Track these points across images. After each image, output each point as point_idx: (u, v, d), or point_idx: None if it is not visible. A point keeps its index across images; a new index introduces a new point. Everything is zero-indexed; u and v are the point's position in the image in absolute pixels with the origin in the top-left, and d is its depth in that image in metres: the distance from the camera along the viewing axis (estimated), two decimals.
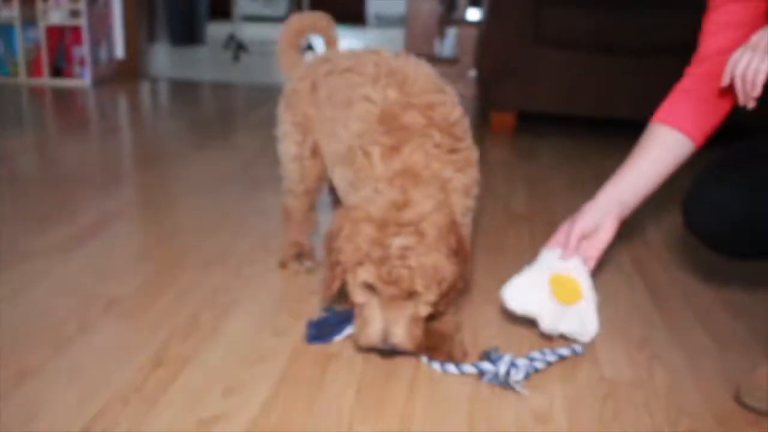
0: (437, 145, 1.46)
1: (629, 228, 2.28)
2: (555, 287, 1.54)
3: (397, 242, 1.34)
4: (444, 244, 1.38)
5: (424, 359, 1.50)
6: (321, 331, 1.56)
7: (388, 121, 1.49)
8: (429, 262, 1.35)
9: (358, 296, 1.42)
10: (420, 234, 1.36)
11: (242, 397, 1.35)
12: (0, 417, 1.27)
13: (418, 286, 1.36)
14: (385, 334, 1.40)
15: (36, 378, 1.39)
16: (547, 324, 1.52)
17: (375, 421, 1.30)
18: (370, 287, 1.39)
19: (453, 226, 1.41)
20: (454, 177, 1.48)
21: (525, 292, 1.53)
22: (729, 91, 1.43)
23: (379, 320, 1.40)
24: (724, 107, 1.54)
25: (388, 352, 1.47)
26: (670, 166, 1.58)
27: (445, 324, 1.56)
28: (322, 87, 1.72)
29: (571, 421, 1.32)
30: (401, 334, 1.40)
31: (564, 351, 1.52)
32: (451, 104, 1.54)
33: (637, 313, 1.77)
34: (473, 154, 1.54)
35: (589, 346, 1.59)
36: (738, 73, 1.26)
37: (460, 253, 1.41)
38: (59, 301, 1.71)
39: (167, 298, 1.74)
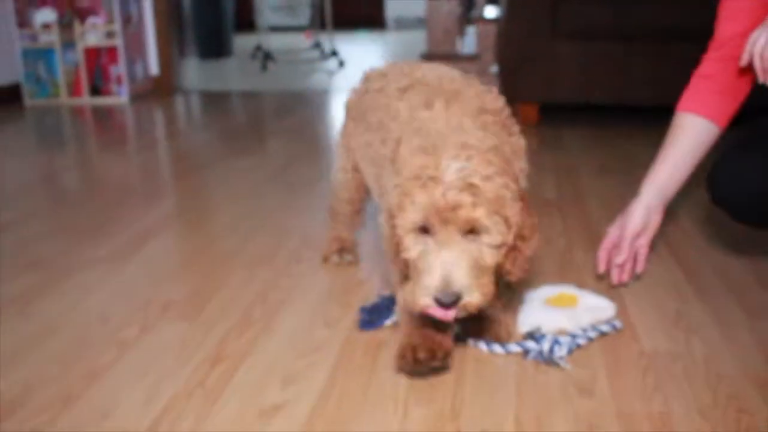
0: (494, 123, 1.38)
1: None
2: (553, 304, 1.65)
3: (456, 164, 1.20)
4: (511, 180, 1.25)
5: (470, 341, 1.56)
6: (372, 316, 1.64)
7: (431, 99, 1.41)
8: (493, 189, 1.20)
9: (410, 247, 1.25)
10: (484, 160, 1.22)
11: (300, 387, 1.43)
12: (75, 416, 1.35)
13: (481, 215, 1.19)
14: (446, 281, 1.20)
15: (104, 378, 1.48)
16: (570, 325, 1.57)
17: (428, 402, 1.36)
18: (422, 230, 1.23)
19: (517, 179, 1.30)
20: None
21: (536, 320, 1.59)
22: (748, 72, 1.49)
23: (437, 265, 1.21)
24: (743, 89, 1.60)
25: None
26: (701, 152, 1.66)
27: (490, 307, 1.54)
28: (359, 105, 1.74)
29: (615, 392, 1.38)
30: (465, 279, 1.20)
31: (604, 327, 1.58)
32: (492, 93, 1.48)
33: (671, 290, 1.82)
34: (522, 142, 1.47)
35: (627, 323, 1.65)
36: (757, 51, 1.32)
37: (526, 204, 1.29)
38: (119, 306, 1.81)
39: (220, 297, 1.83)
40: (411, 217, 1.22)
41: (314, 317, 1.70)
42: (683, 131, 1.65)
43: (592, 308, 1.63)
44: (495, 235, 1.22)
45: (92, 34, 4.84)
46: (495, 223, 1.21)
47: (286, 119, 4.34)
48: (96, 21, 4.83)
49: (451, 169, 1.20)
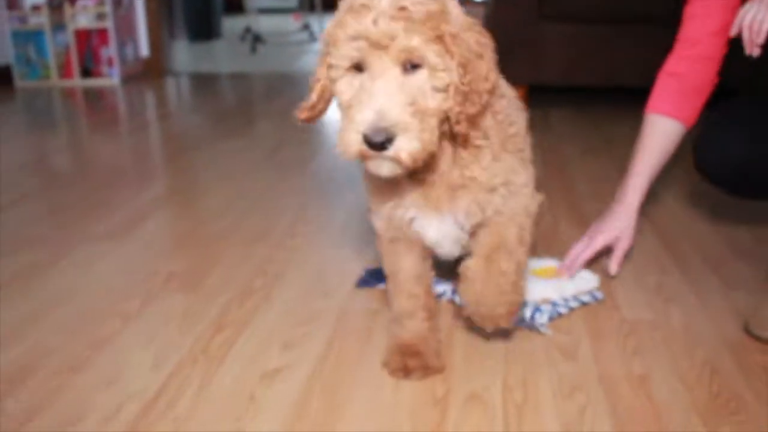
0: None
1: None
2: (542, 275, 1.73)
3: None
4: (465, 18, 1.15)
5: (457, 301, 1.63)
6: (371, 277, 1.76)
7: None
8: (425, 9, 1.09)
9: (344, 90, 1.14)
10: None
11: (300, 352, 1.50)
12: (84, 382, 1.42)
13: (418, 43, 1.08)
14: (377, 114, 1.06)
15: (111, 346, 1.55)
16: (555, 295, 1.65)
17: None
18: (358, 68, 1.13)
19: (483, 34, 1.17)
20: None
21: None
22: (715, 71, 1.62)
23: (369, 98, 1.08)
24: (710, 87, 1.67)
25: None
26: (671, 150, 1.73)
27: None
28: None
29: (597, 357, 1.46)
30: (400, 114, 1.07)
31: (585, 298, 1.66)
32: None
33: (651, 262, 1.90)
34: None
35: (609, 293, 1.73)
36: (746, 23, 1.42)
37: (486, 53, 1.16)
38: (122, 278, 1.87)
39: (220, 271, 1.90)
40: (344, 50, 1.12)
41: (312, 288, 1.77)
42: (655, 134, 1.71)
43: (576, 280, 1.71)
44: (438, 70, 1.11)
45: (83, 15, 4.86)
46: (436, 53, 1.10)
47: (275, 101, 4.39)
48: (86, 3, 4.85)
49: (384, 2, 1.08)
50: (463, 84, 1.12)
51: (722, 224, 2.13)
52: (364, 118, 1.06)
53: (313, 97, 1.22)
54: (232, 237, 2.14)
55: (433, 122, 1.12)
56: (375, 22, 1.07)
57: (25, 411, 1.33)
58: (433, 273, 1.49)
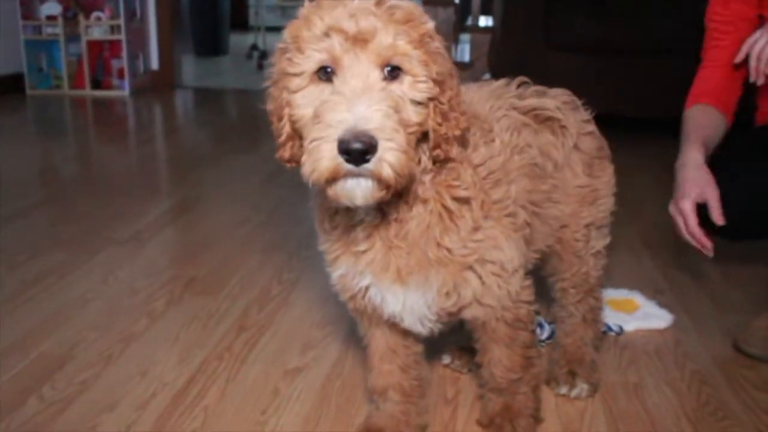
0: None
1: (638, 213, 2.53)
2: (613, 306, 1.80)
3: None
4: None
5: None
6: None
7: None
8: (408, 8, 0.96)
9: (305, 103, 0.95)
10: None
11: (318, 352, 1.61)
12: (117, 372, 1.53)
13: (402, 43, 0.93)
14: (358, 116, 0.87)
15: (140, 343, 1.65)
16: (629, 326, 1.74)
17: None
18: (324, 77, 0.94)
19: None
20: None
21: None
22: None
23: (346, 99, 0.89)
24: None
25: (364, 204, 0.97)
26: (715, 130, 1.65)
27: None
28: None
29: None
30: (384, 119, 0.88)
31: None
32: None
33: (647, 285, 2.00)
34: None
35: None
36: (754, 52, 1.46)
37: (455, 75, 1.02)
38: (146, 281, 1.98)
39: (239, 276, 2.01)
40: (310, 51, 0.94)
41: (326, 296, 1.86)
42: (696, 117, 1.64)
43: (645, 316, 1.78)
44: (419, 81, 0.95)
45: (96, 27, 4.99)
46: (420, 59, 0.95)
47: None
48: (100, 15, 4.97)
49: None
50: (441, 102, 0.99)
51: (719, 254, 2.20)
52: (341, 122, 0.87)
53: (282, 131, 1.03)
54: (249, 245, 2.25)
55: (413, 141, 0.96)
56: (352, 15, 0.92)
57: (63, 397, 1.43)
58: (419, 347, 1.32)
